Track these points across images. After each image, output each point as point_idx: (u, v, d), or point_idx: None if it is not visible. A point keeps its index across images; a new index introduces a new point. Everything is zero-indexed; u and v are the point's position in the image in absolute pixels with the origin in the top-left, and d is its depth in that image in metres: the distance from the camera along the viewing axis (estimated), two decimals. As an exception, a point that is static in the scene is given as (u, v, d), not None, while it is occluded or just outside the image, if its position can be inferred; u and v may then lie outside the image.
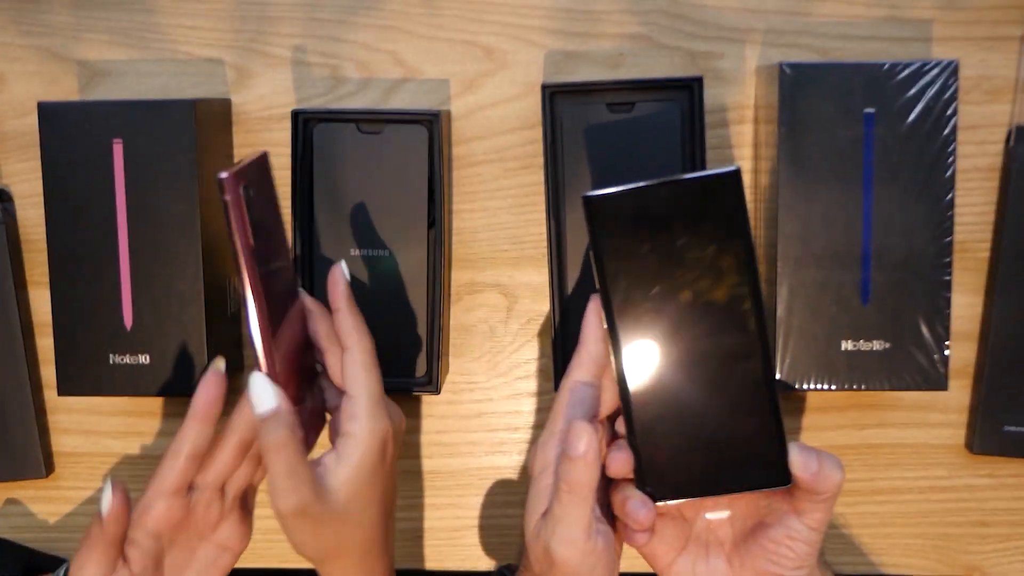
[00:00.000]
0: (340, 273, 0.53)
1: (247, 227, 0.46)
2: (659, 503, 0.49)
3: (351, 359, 0.52)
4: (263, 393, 0.47)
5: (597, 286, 0.48)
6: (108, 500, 0.50)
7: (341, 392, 0.53)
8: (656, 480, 0.49)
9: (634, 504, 0.48)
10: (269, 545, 0.71)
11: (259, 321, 0.47)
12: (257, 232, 0.47)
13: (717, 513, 0.51)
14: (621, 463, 0.49)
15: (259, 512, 0.72)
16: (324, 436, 0.56)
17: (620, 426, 0.50)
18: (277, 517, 0.48)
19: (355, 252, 0.63)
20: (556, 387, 0.63)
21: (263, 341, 0.47)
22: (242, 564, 0.72)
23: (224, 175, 0.45)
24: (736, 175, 0.46)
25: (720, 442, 0.48)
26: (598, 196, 0.46)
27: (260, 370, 0.48)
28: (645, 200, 0.46)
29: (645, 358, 0.48)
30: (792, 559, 0.49)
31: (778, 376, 0.60)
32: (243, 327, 0.48)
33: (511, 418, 0.70)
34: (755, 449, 0.48)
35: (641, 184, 0.46)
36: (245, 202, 0.46)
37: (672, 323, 0.47)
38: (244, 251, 0.46)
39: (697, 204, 0.46)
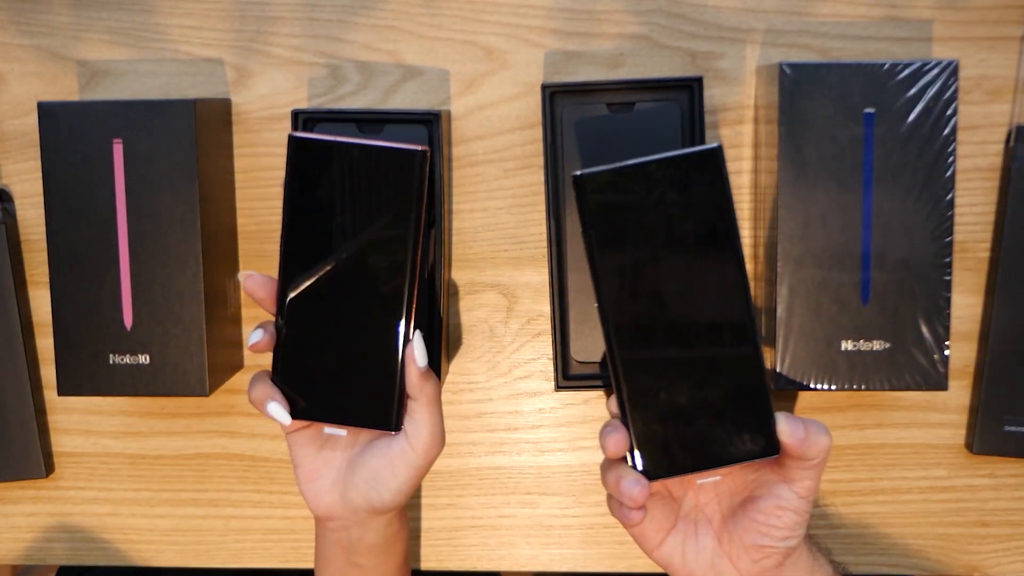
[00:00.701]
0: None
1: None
2: (653, 480, 0.50)
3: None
4: (424, 350, 0.52)
5: (588, 264, 0.49)
6: None
7: None
8: (649, 457, 0.50)
9: (628, 482, 0.49)
10: (269, 545, 0.71)
11: (416, 287, 0.51)
12: None
13: (709, 478, 0.52)
14: (617, 443, 0.49)
15: (259, 512, 0.72)
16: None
17: (613, 406, 0.51)
18: (423, 463, 0.53)
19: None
20: (556, 387, 0.64)
21: (415, 304, 0.52)
22: (242, 564, 0.73)
23: (427, 148, 0.50)
24: (718, 152, 0.47)
25: (710, 417, 0.49)
26: (588, 174, 0.48)
27: (409, 335, 0.52)
28: (632, 178, 0.48)
29: (635, 335, 0.49)
30: (781, 529, 0.50)
31: (778, 376, 0.60)
32: (403, 291, 0.52)
33: (511, 418, 0.70)
34: (744, 421, 0.49)
35: (628, 163, 0.47)
36: None
37: (661, 300, 0.49)
38: (425, 219, 0.51)
39: (682, 181, 0.48)
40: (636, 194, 0.48)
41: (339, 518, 0.55)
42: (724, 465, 0.50)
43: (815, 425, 0.49)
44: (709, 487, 0.53)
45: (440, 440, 0.53)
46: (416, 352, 0.51)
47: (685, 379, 0.49)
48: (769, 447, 0.49)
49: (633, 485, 0.49)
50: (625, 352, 0.49)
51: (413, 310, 0.51)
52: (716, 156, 0.47)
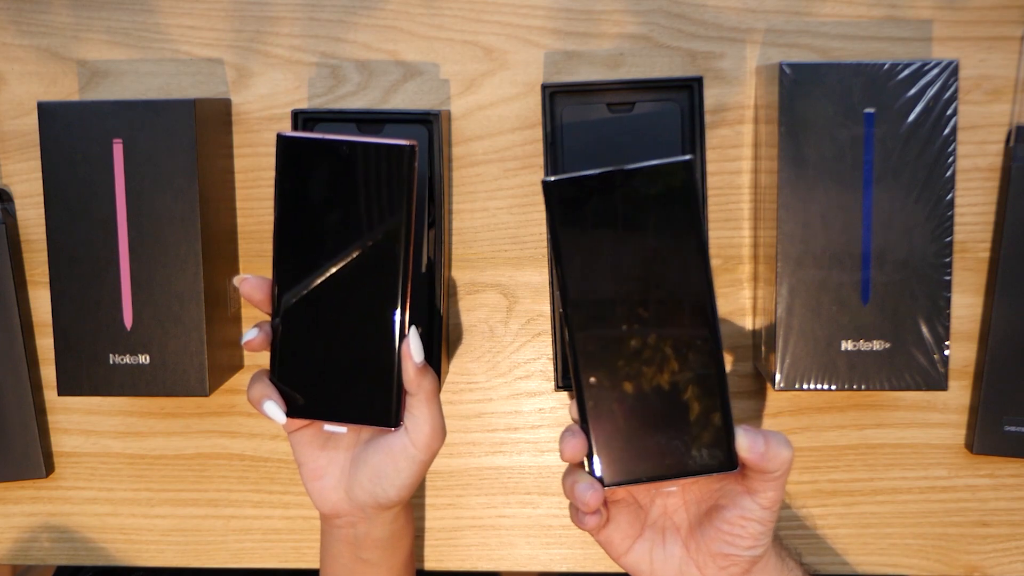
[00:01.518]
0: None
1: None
2: (608, 487, 0.50)
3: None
4: (420, 346, 0.52)
5: (553, 270, 0.48)
6: None
7: None
8: (606, 464, 0.50)
9: (582, 487, 0.49)
10: (269, 545, 0.71)
11: (410, 283, 0.51)
12: None
13: (666, 488, 0.52)
14: (574, 448, 0.50)
15: (259, 512, 0.72)
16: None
17: (573, 411, 0.51)
18: (424, 458, 0.53)
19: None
20: (556, 387, 0.63)
21: (410, 300, 0.52)
22: (242, 564, 0.73)
23: (414, 143, 0.49)
24: (689, 164, 0.47)
25: (670, 427, 0.49)
26: (557, 181, 0.48)
27: (405, 330, 0.52)
28: (603, 186, 0.47)
29: (598, 342, 0.49)
30: (746, 539, 0.50)
31: (778, 376, 0.60)
32: (397, 286, 0.52)
33: (511, 418, 0.70)
34: (704, 434, 0.49)
35: (599, 171, 0.47)
36: None
37: (626, 310, 0.48)
38: (417, 214, 0.51)
39: (652, 192, 0.47)
40: (605, 203, 0.48)
41: (345, 515, 0.55)
42: (681, 477, 0.50)
43: (776, 438, 0.49)
44: (676, 494, 0.53)
45: (441, 435, 0.53)
46: (412, 348, 0.51)
47: (646, 388, 0.49)
48: (727, 462, 0.49)
49: (586, 490, 0.49)
50: (587, 359, 0.49)
51: (408, 306, 0.51)
52: (688, 169, 0.47)
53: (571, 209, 0.48)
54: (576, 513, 0.51)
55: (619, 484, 0.50)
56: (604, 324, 0.49)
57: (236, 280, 0.53)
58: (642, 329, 0.48)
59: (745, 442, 0.48)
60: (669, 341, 0.49)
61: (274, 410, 0.52)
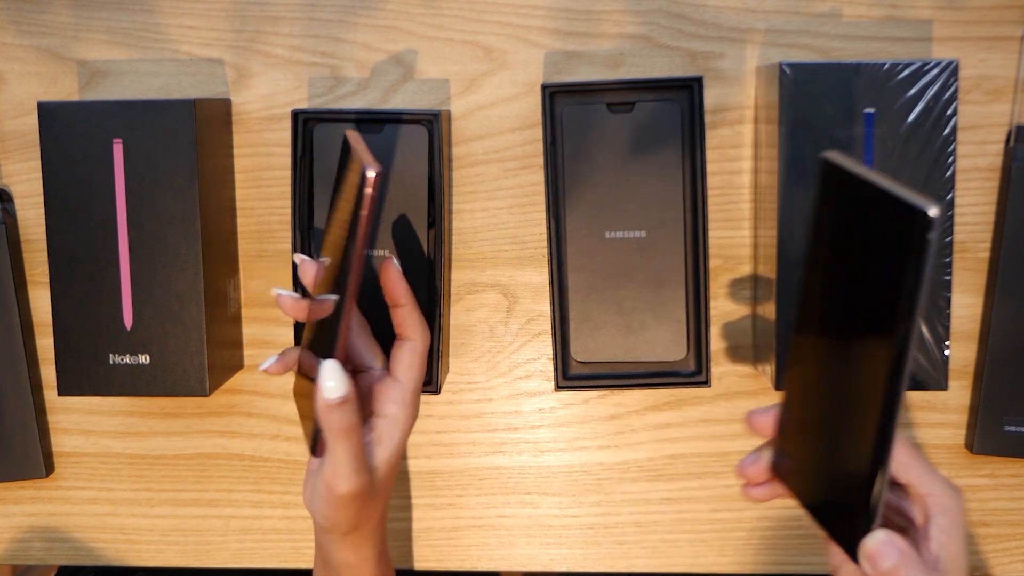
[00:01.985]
0: (396, 270, 0.53)
1: (370, 223, 0.46)
2: (769, 477, 0.48)
3: (411, 349, 0.53)
4: (336, 380, 0.47)
5: (806, 246, 0.44)
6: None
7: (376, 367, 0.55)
8: (778, 456, 0.47)
9: (747, 457, 0.48)
10: (269, 545, 0.71)
11: (349, 312, 0.47)
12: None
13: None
14: (756, 421, 0.47)
15: (259, 512, 0.72)
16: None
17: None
18: (331, 498, 0.49)
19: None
20: (556, 387, 0.63)
21: (345, 331, 0.47)
22: (242, 564, 0.73)
23: (376, 172, 0.45)
24: (934, 221, 0.37)
25: (832, 471, 0.44)
26: (836, 165, 0.42)
27: (334, 357, 0.48)
28: (860, 191, 0.41)
29: (817, 345, 0.44)
30: None
31: (778, 376, 0.60)
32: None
33: (511, 418, 0.70)
34: (849, 502, 0.43)
35: (871, 177, 0.40)
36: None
37: (844, 327, 0.42)
38: (362, 245, 0.46)
39: (889, 226, 0.39)
40: (858, 208, 0.41)
41: (315, 522, 0.54)
42: (821, 526, 0.45)
43: (915, 568, 0.40)
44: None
45: (349, 481, 0.48)
46: (322, 381, 0.46)
47: (827, 414, 0.44)
48: (849, 548, 0.42)
49: (747, 458, 0.47)
50: (804, 359, 0.45)
51: (344, 337, 0.47)
52: (928, 222, 0.37)
53: (833, 199, 0.42)
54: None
55: (780, 483, 0.47)
56: (820, 326, 0.44)
57: (296, 258, 0.54)
58: (841, 353, 0.43)
59: (871, 549, 0.40)
60: (855, 382, 0.42)
61: (268, 361, 0.53)
